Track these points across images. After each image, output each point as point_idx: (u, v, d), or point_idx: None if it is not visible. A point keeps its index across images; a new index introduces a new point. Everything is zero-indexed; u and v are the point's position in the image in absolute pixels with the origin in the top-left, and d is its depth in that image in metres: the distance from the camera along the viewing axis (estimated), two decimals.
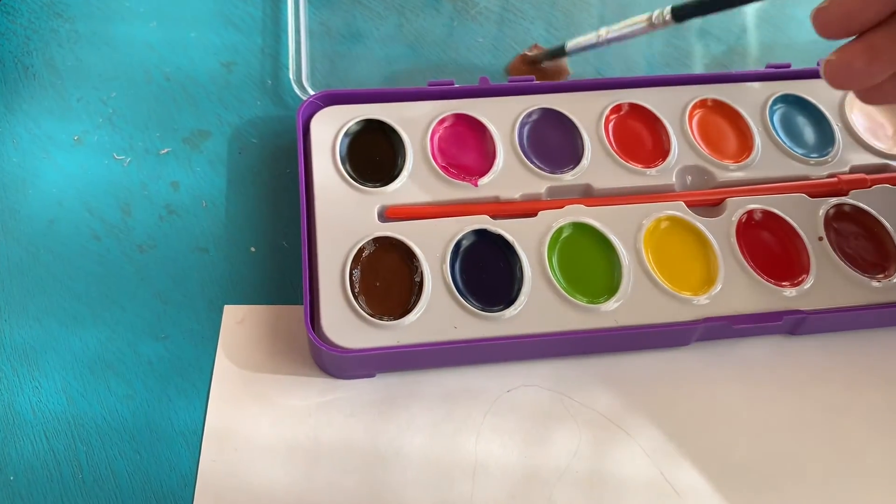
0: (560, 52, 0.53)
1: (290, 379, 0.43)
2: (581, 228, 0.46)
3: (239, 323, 0.45)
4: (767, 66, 0.54)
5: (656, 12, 0.48)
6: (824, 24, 0.34)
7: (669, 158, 0.50)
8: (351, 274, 0.44)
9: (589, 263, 0.45)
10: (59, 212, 0.48)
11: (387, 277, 0.44)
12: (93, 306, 0.45)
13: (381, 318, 0.42)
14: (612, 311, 0.44)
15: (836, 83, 0.35)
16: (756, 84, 0.53)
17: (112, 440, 0.41)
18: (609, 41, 0.50)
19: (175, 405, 0.42)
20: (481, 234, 0.46)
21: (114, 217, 0.48)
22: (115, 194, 0.49)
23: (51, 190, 0.49)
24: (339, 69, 0.55)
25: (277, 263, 0.47)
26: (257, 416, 0.42)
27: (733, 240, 0.46)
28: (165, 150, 0.51)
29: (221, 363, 0.43)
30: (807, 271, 0.46)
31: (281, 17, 0.57)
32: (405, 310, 0.43)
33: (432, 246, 0.45)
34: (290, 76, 0.53)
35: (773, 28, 0.60)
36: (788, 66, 0.54)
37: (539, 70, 0.56)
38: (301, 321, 0.44)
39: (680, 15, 0.47)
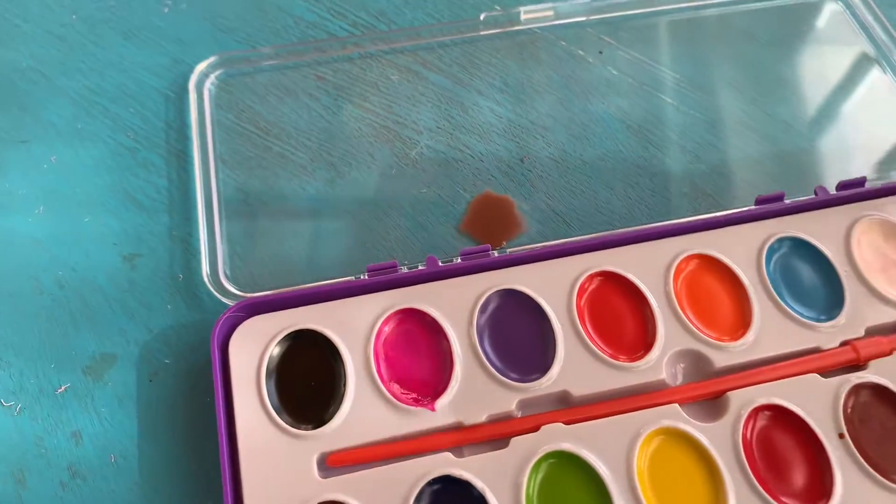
0: None
1: None
2: (563, 459, 0.39)
3: None
4: (757, 201, 0.46)
5: None
6: None
7: (657, 344, 0.42)
8: None
9: None
10: None
11: None
12: None
13: None
14: None
15: None
16: (746, 226, 0.46)
17: None
18: None
19: None
20: (445, 485, 0.38)
21: (5, 489, 0.40)
22: (6, 457, 0.41)
23: None
24: (261, 251, 0.47)
25: None
26: None
27: (741, 454, 0.39)
28: (63, 388, 0.43)
29: None
30: (828, 494, 0.38)
31: (190, 185, 0.49)
32: None
33: None
34: (203, 271, 0.45)
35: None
36: (782, 196, 0.46)
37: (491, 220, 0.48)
38: None
39: None
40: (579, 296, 0.43)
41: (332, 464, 0.39)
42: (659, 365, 0.42)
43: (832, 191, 0.47)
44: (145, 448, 0.41)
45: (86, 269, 0.46)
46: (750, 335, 0.43)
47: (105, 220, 0.47)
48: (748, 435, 0.40)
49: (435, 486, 0.38)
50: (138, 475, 0.41)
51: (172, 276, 0.46)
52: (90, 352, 0.44)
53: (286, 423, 0.39)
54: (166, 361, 0.44)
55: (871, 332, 0.43)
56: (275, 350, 0.41)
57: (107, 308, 0.45)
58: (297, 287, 0.43)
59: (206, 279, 0.44)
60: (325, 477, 0.39)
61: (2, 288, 0.45)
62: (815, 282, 0.45)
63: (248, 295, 0.43)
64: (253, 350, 0.41)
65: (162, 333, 0.44)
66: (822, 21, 0.56)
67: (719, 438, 0.40)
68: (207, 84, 0.51)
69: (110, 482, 0.40)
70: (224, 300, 0.44)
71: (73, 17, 0.55)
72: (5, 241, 0.47)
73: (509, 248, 0.46)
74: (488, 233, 0.47)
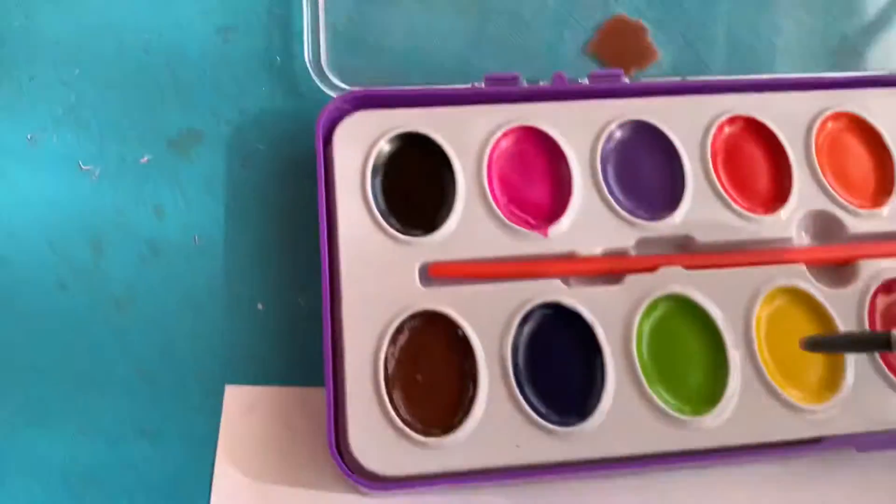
0: (881, 346, 0.31)
1: (311, 495, 0.35)
2: (679, 304, 0.37)
3: (246, 413, 0.36)
4: None
5: None
6: None
7: (791, 200, 0.39)
8: (386, 366, 0.34)
9: (688, 357, 0.36)
10: (11, 247, 0.37)
11: (431, 369, 0.35)
12: (61, 390, 0.35)
13: (422, 431, 0.33)
14: (717, 429, 0.35)
15: None
16: None
17: None
18: None
19: None
20: (552, 310, 0.36)
21: (82, 257, 0.38)
22: (83, 222, 0.38)
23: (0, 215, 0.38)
24: (368, 43, 0.43)
25: (292, 328, 0.37)
26: None
27: (865, 326, 0.37)
28: (146, 159, 0.40)
29: (222, 469, 0.35)
30: None
31: None
32: (455, 419, 0.34)
33: (489, 323, 0.35)
34: (306, 56, 0.40)
35: None
36: None
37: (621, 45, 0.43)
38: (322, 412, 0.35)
39: None
40: (715, 138, 0.40)
41: (435, 273, 0.36)
42: (790, 222, 0.39)
43: None
44: (231, 233, 0.39)
45: (174, 36, 0.42)
46: (891, 204, 0.39)
47: None
48: (875, 307, 0.37)
49: (543, 311, 0.36)
50: (223, 260, 0.38)
51: (269, 58, 0.42)
52: (176, 125, 0.40)
53: (391, 227, 0.36)
54: (260, 147, 0.40)
55: None
56: (383, 149, 0.38)
57: (196, 81, 0.41)
58: (409, 87, 0.39)
59: (307, 64, 0.40)
60: (426, 286, 0.36)
61: (82, 44, 0.41)
62: None
63: (355, 88, 0.40)
64: (359, 146, 0.38)
65: (255, 117, 0.41)
66: None
67: (844, 306, 0.37)
68: None
69: (193, 263, 0.38)
70: (325, 90, 0.40)
71: None
72: None
73: (642, 76, 0.41)
74: (618, 58, 0.43)
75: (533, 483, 0.35)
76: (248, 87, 0.41)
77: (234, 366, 0.36)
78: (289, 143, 0.40)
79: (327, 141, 0.38)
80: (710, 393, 0.35)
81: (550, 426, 0.34)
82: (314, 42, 0.41)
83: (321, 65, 0.41)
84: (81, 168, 0.39)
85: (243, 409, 0.36)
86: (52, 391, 0.35)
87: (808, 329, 0.37)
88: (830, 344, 0.34)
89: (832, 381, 0.36)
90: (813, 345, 0.33)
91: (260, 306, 0.38)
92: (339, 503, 0.35)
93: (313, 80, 0.40)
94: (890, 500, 0.37)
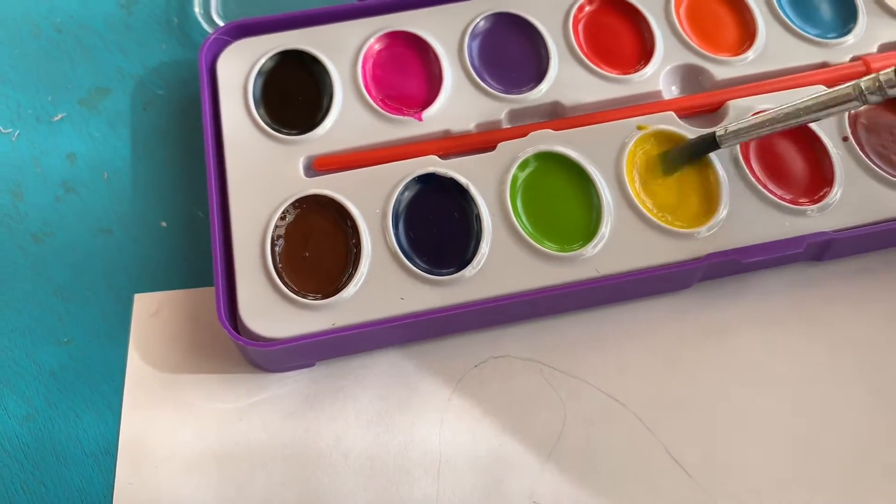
0: (710, 146, 0.36)
1: (215, 378, 0.36)
2: (549, 159, 0.38)
3: (153, 315, 0.38)
4: None
5: (867, 80, 0.32)
6: None
7: (655, 58, 0.41)
8: (273, 245, 0.36)
9: (561, 202, 0.37)
10: None
11: (317, 245, 0.37)
12: None
13: (310, 297, 0.35)
14: (592, 258, 0.36)
15: None
16: None
17: (11, 470, 0.35)
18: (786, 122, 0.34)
19: (83, 422, 0.36)
20: (428, 180, 0.38)
21: (3, 202, 0.41)
22: (4, 175, 0.42)
23: None
24: None
25: (193, 238, 0.40)
26: (179, 426, 0.35)
27: (738, 154, 0.38)
28: (59, 116, 0.43)
29: (134, 365, 0.37)
30: (830, 183, 0.37)
31: None
32: (340, 283, 0.35)
33: (370, 201, 0.37)
34: (196, 10, 0.44)
35: None
36: None
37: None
38: None
39: None
40: (576, 19, 0.42)
41: (319, 167, 0.39)
42: (656, 77, 0.40)
43: None
44: (138, 167, 0.42)
45: (83, 15, 0.46)
46: (753, 51, 0.41)
47: None
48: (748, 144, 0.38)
49: (419, 183, 0.38)
50: (131, 190, 0.41)
51: (168, 20, 0.46)
52: (86, 86, 0.44)
53: (271, 129, 0.39)
54: (160, 93, 0.44)
55: (885, 49, 0.41)
56: (262, 67, 0.41)
57: (103, 48, 0.45)
58: (283, 13, 0.42)
59: (198, 16, 0.44)
60: (311, 178, 0.38)
61: (1, 29, 0.46)
62: (826, 2, 0.42)
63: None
64: (241, 68, 0.41)
65: (156, 69, 0.44)
66: None
67: None
68: None
69: (103, 196, 0.41)
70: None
71: None
72: None
73: None
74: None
75: (420, 343, 0.36)
76: (149, 45, 0.45)
77: (142, 278, 0.39)
78: (186, 87, 0.44)
79: (214, 72, 0.41)
80: (585, 231, 0.36)
81: (432, 276, 0.35)
82: None
83: (211, 14, 0.44)
84: (2, 132, 0.43)
85: (150, 311, 0.38)
86: None
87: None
88: (675, 156, 0.36)
89: (708, 208, 0.37)
90: (665, 163, 0.35)
91: (163, 224, 0.40)
92: (240, 382, 0.36)
93: (205, 29, 0.44)
94: (787, 310, 0.37)
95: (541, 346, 0.36)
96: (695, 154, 0.37)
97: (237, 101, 0.40)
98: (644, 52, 0.41)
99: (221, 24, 0.44)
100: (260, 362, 0.36)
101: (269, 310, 0.35)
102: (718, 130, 0.35)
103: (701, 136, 0.37)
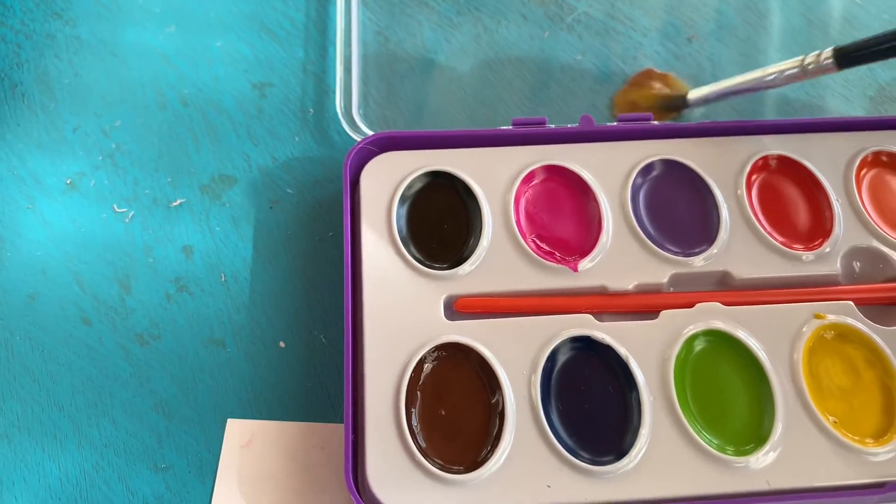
0: (679, 104, 0.41)
1: None
2: (720, 340, 0.35)
3: (244, 446, 0.34)
4: None
5: (811, 56, 0.37)
6: None
7: (833, 236, 0.37)
8: (408, 399, 0.33)
9: (730, 392, 0.34)
10: (42, 284, 0.38)
11: (455, 404, 0.33)
12: (77, 419, 0.35)
13: (447, 471, 0.31)
14: (764, 469, 0.32)
15: None
16: None
17: None
18: (745, 91, 0.39)
19: None
20: (582, 343, 0.34)
21: (110, 293, 0.38)
22: (113, 261, 0.38)
23: (34, 253, 0.39)
24: (398, 96, 0.43)
25: (313, 366, 0.36)
26: None
27: None
28: (178, 202, 0.40)
29: (220, 500, 0.33)
30: None
31: (328, 23, 0.46)
32: (480, 455, 0.32)
33: (516, 357, 0.34)
34: (338, 106, 0.41)
35: None
36: None
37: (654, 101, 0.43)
38: (339, 447, 0.33)
39: (846, 59, 0.36)
40: (749, 176, 0.39)
41: (461, 308, 0.35)
42: (833, 257, 0.37)
43: None
44: (259, 272, 0.38)
45: (213, 91, 0.43)
46: None
47: (237, 46, 0.45)
48: None
49: (573, 345, 0.34)
50: (248, 298, 0.38)
51: (303, 110, 0.43)
52: (210, 171, 0.41)
53: (415, 261, 0.36)
54: (289, 191, 0.41)
55: None
56: (409, 187, 0.38)
57: (231, 131, 0.42)
58: (434, 130, 0.39)
59: (339, 114, 0.41)
60: (451, 320, 0.35)
61: (125, 98, 0.43)
62: None
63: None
64: (385, 185, 0.38)
65: (287, 164, 0.41)
66: None
67: None
68: None
69: (218, 300, 0.38)
70: (355, 137, 0.40)
71: None
72: (134, 53, 0.44)
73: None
74: (647, 110, 0.43)
75: None
76: (281, 136, 0.42)
77: (250, 402, 0.35)
78: (317, 188, 0.41)
79: (355, 183, 0.38)
80: (755, 432, 0.33)
81: (584, 465, 0.31)
82: (346, 94, 0.42)
83: (352, 114, 0.41)
84: (116, 211, 0.40)
85: (242, 442, 0.34)
86: (68, 422, 0.35)
87: (861, 363, 0.34)
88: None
89: (890, 422, 0.33)
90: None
91: (282, 344, 0.37)
92: None
93: (344, 129, 0.41)
94: None
95: None
96: None
97: (380, 223, 0.37)
98: (821, 227, 0.38)
99: (360, 122, 0.41)
100: None
101: (400, 476, 0.31)
102: None
103: None
